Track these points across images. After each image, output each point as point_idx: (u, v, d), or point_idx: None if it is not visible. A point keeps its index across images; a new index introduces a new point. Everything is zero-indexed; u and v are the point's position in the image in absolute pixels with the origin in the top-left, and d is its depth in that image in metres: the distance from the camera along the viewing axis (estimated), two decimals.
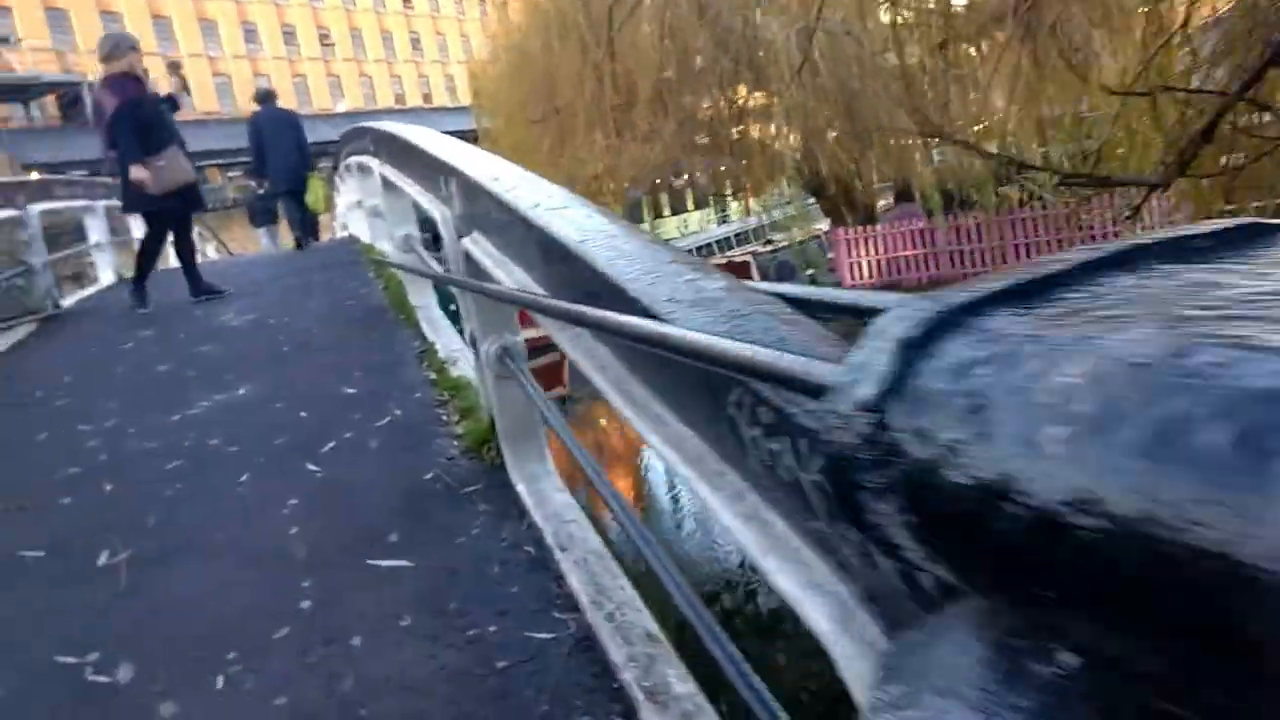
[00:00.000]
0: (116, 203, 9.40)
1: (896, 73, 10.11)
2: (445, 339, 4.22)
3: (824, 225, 21.61)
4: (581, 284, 1.43)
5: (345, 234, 11.49)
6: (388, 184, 4.64)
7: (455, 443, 3.07)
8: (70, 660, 2.10)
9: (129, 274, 9.02)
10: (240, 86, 55.27)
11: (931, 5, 10.58)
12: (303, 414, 3.50)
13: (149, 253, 6.35)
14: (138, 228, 10.27)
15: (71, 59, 44.91)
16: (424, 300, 4.86)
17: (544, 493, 2.59)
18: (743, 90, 12.82)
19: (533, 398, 2.49)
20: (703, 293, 1.10)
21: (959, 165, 11.75)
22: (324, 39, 63.79)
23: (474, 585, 2.26)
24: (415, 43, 71.54)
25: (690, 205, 34.95)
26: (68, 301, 6.94)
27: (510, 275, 2.07)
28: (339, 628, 2.13)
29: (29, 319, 5.91)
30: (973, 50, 11.76)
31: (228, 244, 18.26)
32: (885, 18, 11.58)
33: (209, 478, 3.03)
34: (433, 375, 3.76)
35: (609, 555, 2.28)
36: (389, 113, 50.87)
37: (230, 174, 38.17)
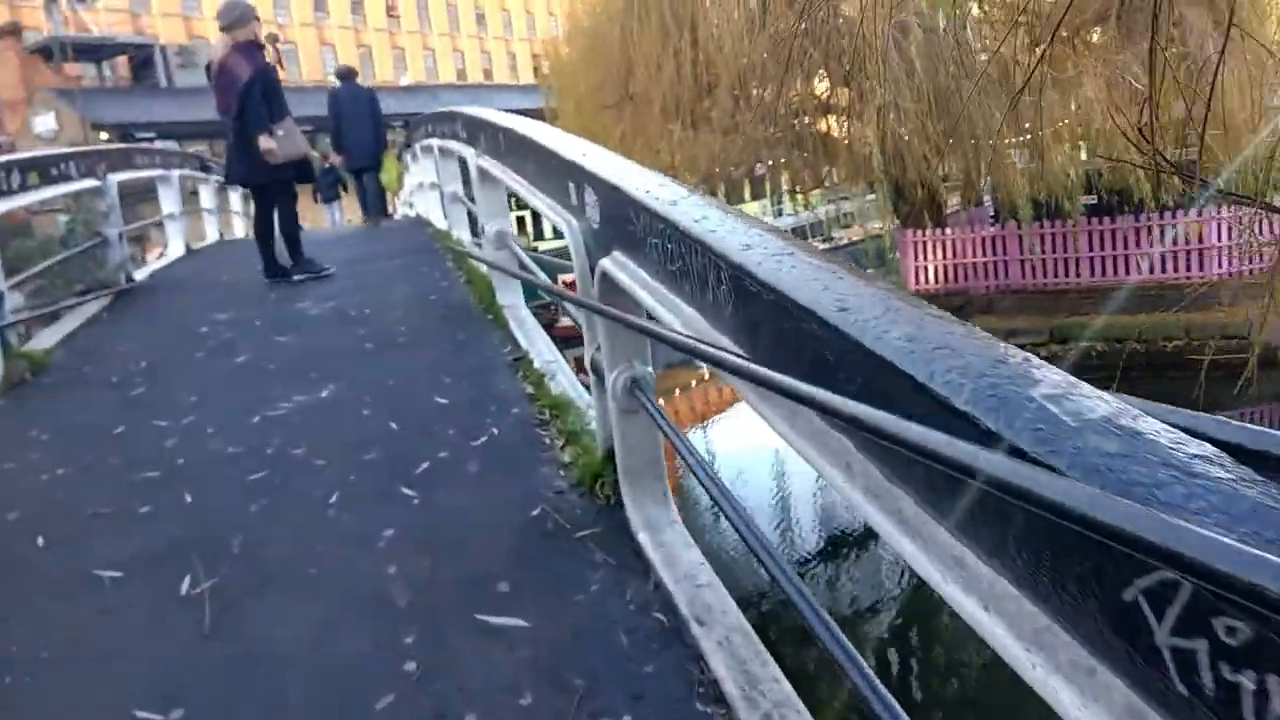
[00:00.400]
0: (193, 172, 9.34)
1: (991, 71, 9.62)
2: (539, 346, 3.95)
3: (880, 224, 21.06)
4: (825, 357, 1.14)
5: (413, 213, 11.33)
6: (484, 176, 4.37)
7: (562, 473, 2.80)
8: (151, 719, 1.87)
9: (197, 246, 8.93)
10: (307, 55, 55.74)
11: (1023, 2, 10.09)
12: (393, 425, 3.26)
13: (265, 230, 6.10)
14: (207, 198, 10.22)
15: (144, 21, 45.55)
16: (513, 299, 4.60)
17: (671, 548, 2.30)
18: (823, 84, 12.38)
19: (670, 438, 2.20)
20: (1077, 415, 0.80)
21: (1047, 170, 11.19)
22: (390, 10, 64.05)
23: (601, 658, 1.99)
24: (480, 18, 71.61)
25: (747, 197, 34.42)
26: (140, 274, 6.80)
27: (675, 314, 1.78)
28: (450, 700, 1.87)
29: (103, 293, 5.76)
30: (1069, 50, 11.22)
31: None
32: (975, 11, 11.09)
33: (296, 495, 2.80)
34: (529, 388, 3.50)
35: (754, 635, 1.99)
36: (450, 88, 50.95)
37: None
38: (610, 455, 2.60)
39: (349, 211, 14.19)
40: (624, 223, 2.12)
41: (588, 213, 2.48)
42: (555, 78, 18.45)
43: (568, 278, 2.99)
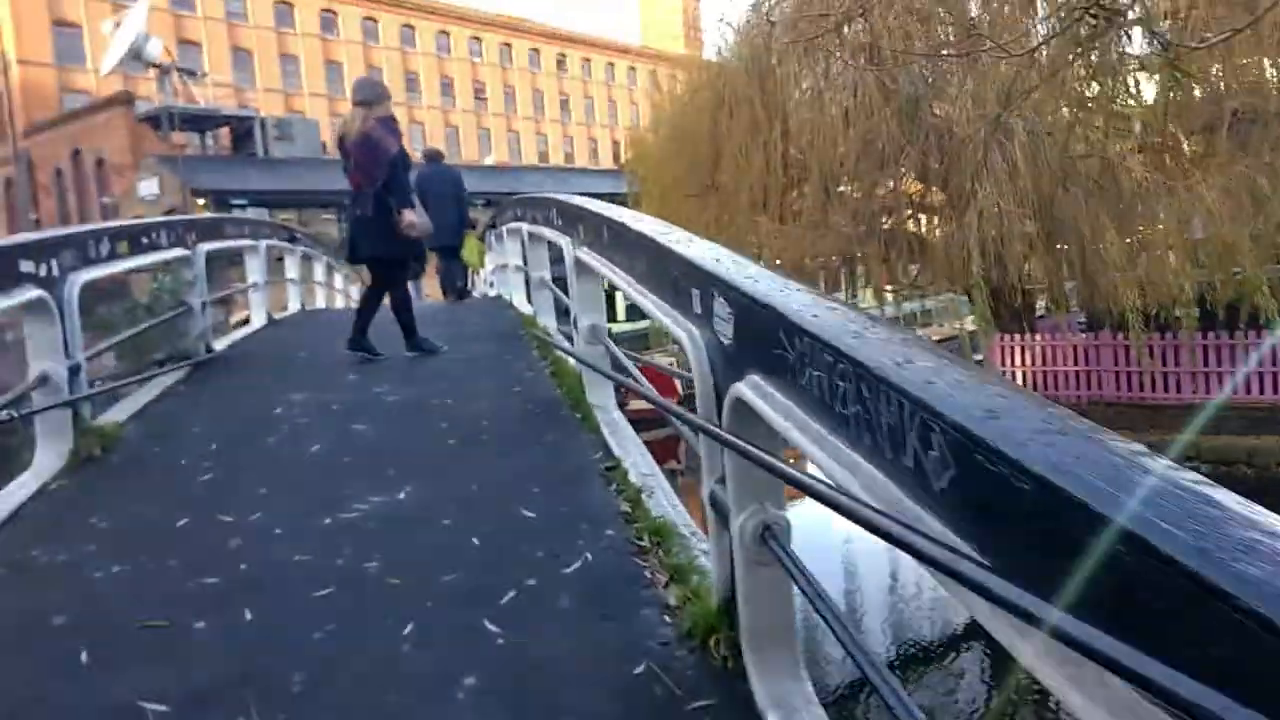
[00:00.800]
0: (279, 242, 9.39)
1: (1099, 177, 9.24)
2: (634, 455, 3.63)
3: (961, 323, 20.49)
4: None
5: (493, 292, 11.27)
6: (582, 267, 4.13)
7: (668, 618, 2.43)
8: None
9: (279, 315, 8.92)
10: None
11: (1136, 109, 9.74)
12: (474, 540, 2.95)
13: (372, 304, 6.01)
14: (291, 268, 10.28)
15: (248, 95, 47.89)
16: (603, 399, 4.31)
17: None
18: (914, 183, 12.12)
19: (816, 605, 1.84)
20: None
21: (1154, 278, 10.64)
22: (478, 93, 66.48)
23: None
24: (564, 104, 73.84)
25: (821, 287, 34.16)
26: (220, 344, 6.71)
27: (848, 470, 1.44)
28: None
29: (182, 364, 5.64)
30: (1177, 158, 10.80)
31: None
32: (1069, 115, 10.75)
33: (366, 622, 2.48)
34: (624, 505, 3.17)
35: None
36: (532, 169, 52.22)
37: None
38: (728, 606, 2.24)
39: (428, 288, 14.26)
40: (770, 345, 1.80)
41: (716, 326, 2.17)
42: (639, 164, 18.58)
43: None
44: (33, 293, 3.80)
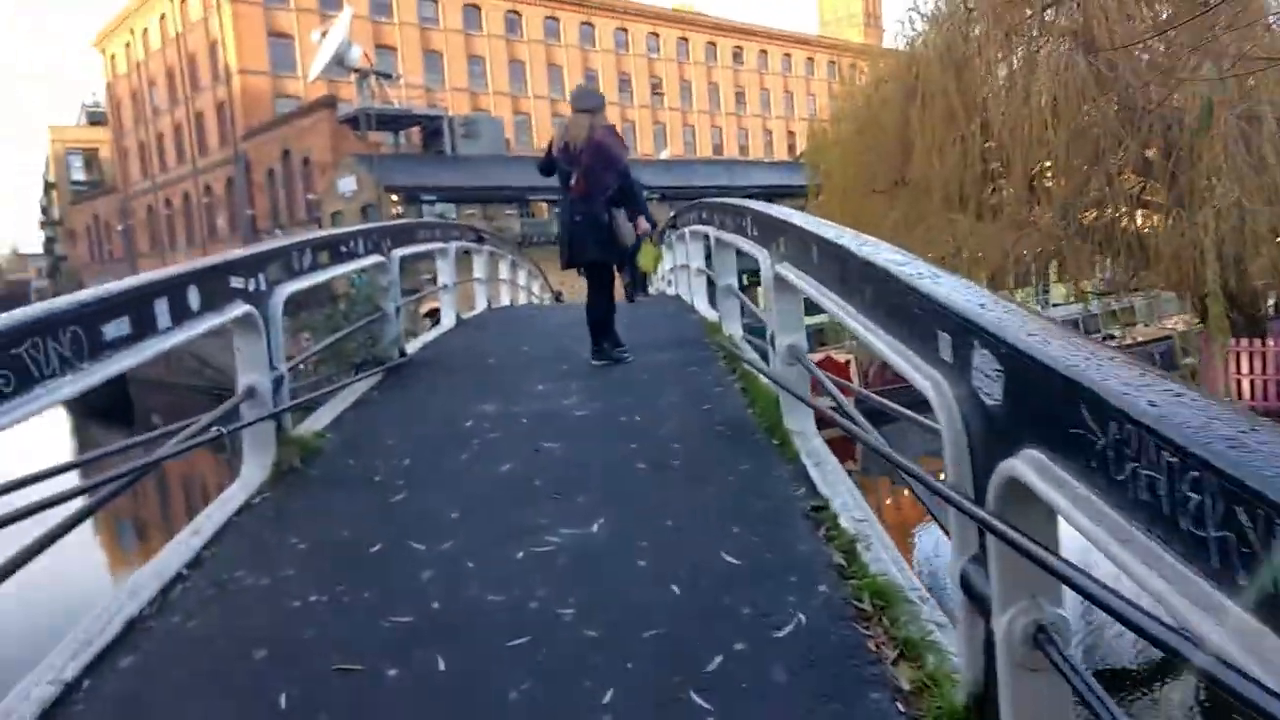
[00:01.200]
0: (469, 243, 9.57)
1: None
2: (843, 495, 3.30)
3: (1173, 324, 18.75)
4: None
5: (670, 291, 11.13)
6: (782, 284, 3.84)
7: (901, 706, 2.12)
8: None
9: (466, 315, 9.08)
10: None
11: None
12: (674, 588, 2.72)
13: (602, 307, 6.05)
14: (479, 268, 10.47)
15: (437, 95, 50.15)
16: (802, 424, 3.99)
17: None
18: (1133, 176, 11.03)
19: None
20: None
21: None
22: (655, 88, 66.96)
23: None
24: (739, 96, 73.31)
25: (1011, 283, 32.13)
26: (411, 347, 6.84)
27: (1205, 613, 1.10)
28: None
29: (375, 370, 5.75)
30: None
31: (550, 283, 18.78)
32: None
33: (564, 682, 2.30)
34: (838, 556, 2.85)
35: None
36: (705, 163, 52.05)
37: (557, 209, 40.38)
38: (979, 705, 1.91)
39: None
40: (1063, 420, 1.45)
41: (976, 381, 1.84)
42: (818, 157, 17.98)
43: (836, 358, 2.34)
44: (242, 308, 3.87)
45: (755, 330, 5.87)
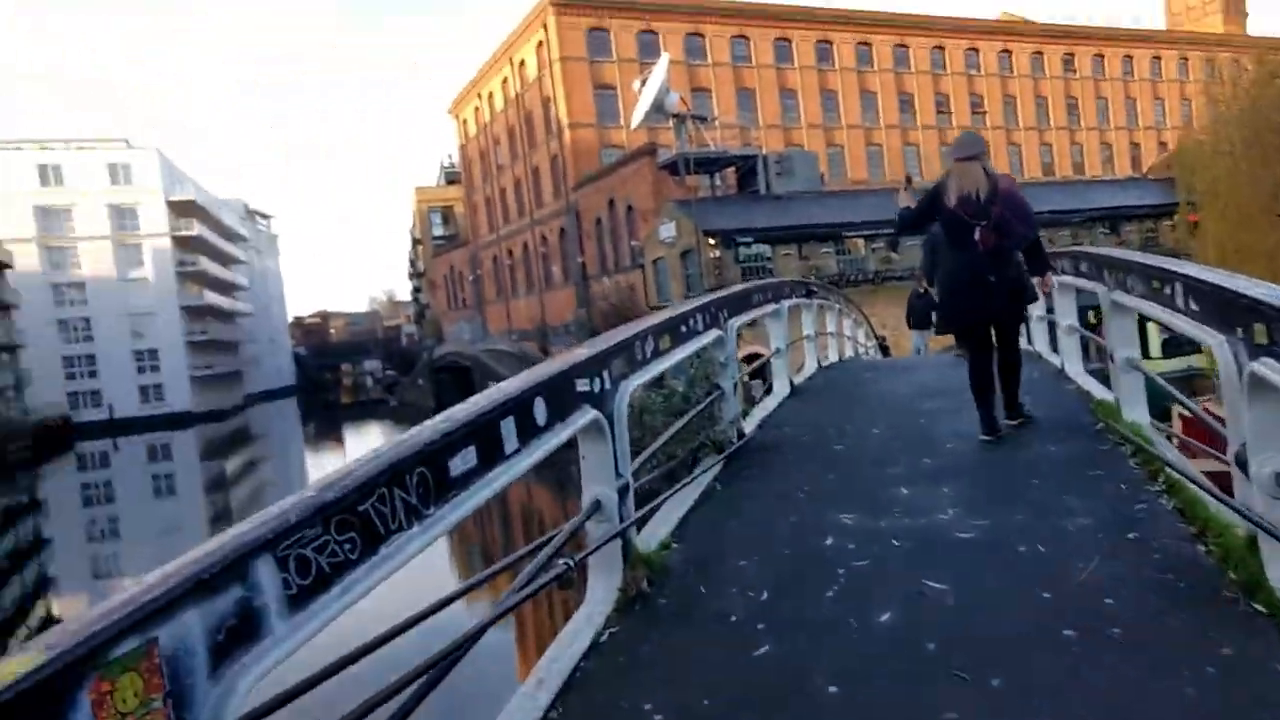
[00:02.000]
0: (800, 299, 9.02)
1: None
2: None
3: None
4: None
5: (1030, 347, 9.88)
6: (1259, 385, 2.86)
7: None
8: None
9: (798, 380, 8.52)
10: (890, 156, 57.35)
11: None
12: None
13: (989, 376, 5.57)
14: (808, 324, 9.85)
15: (751, 134, 50.74)
16: None
17: None
18: None
19: None
20: None
21: None
22: (975, 108, 63.27)
23: None
24: (1071, 108, 67.38)
25: None
26: (748, 425, 6.38)
27: None
28: None
29: (716, 458, 5.32)
30: None
31: (872, 324, 17.79)
32: None
33: None
34: None
35: None
36: (1033, 184, 47.95)
37: (873, 245, 39.08)
38: None
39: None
40: None
41: None
42: (1191, 174, 15.60)
43: None
44: (590, 414, 3.54)
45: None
